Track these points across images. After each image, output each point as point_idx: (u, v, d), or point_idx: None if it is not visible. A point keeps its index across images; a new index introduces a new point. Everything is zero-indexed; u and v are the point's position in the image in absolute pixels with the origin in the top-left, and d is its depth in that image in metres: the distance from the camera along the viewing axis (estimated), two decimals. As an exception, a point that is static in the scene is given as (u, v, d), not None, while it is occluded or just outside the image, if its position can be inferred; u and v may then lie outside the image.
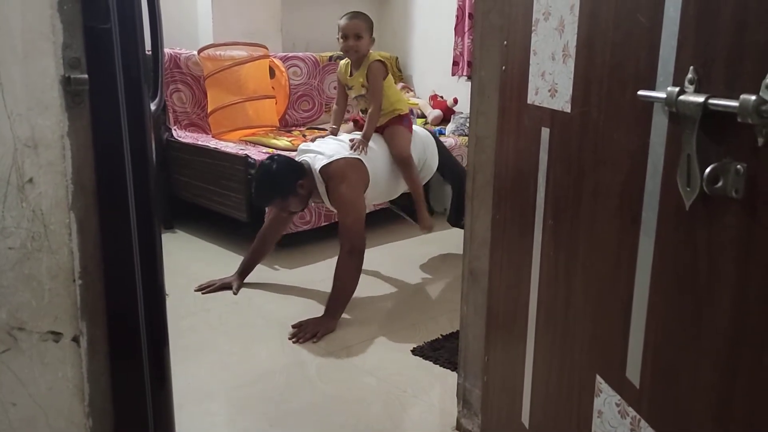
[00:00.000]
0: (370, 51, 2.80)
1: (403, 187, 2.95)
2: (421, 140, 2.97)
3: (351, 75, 2.83)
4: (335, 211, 2.79)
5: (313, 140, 2.88)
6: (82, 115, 1.13)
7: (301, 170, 2.66)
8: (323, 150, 2.71)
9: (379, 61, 2.79)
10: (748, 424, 0.72)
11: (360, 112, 2.91)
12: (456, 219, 3.13)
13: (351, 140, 2.74)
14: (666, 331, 0.87)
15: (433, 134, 3.16)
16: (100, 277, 1.20)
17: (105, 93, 1.15)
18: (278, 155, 2.73)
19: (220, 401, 2.07)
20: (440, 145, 3.11)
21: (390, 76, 2.87)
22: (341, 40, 2.77)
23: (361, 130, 2.82)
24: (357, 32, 2.72)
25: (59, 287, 1.14)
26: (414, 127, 2.98)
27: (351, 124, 3.02)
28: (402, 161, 2.81)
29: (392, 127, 2.85)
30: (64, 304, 1.15)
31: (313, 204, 2.95)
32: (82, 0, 1.09)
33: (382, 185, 2.80)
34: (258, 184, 2.68)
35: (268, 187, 2.64)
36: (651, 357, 0.90)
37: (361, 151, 2.70)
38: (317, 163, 2.66)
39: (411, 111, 3.08)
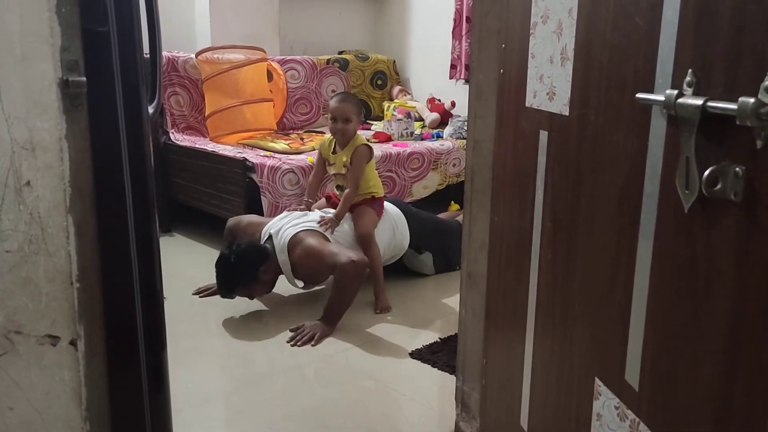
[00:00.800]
0: (357, 133, 2.85)
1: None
2: (391, 222, 2.93)
3: (334, 152, 2.87)
4: (301, 285, 2.76)
5: (286, 213, 2.86)
6: (80, 118, 1.12)
7: (263, 254, 2.64)
8: (289, 225, 2.71)
9: (366, 145, 2.84)
10: (747, 426, 0.72)
11: (336, 189, 2.92)
12: (444, 269, 3.13)
13: (321, 218, 2.74)
14: (665, 334, 0.86)
15: (405, 209, 3.09)
16: (97, 280, 1.19)
17: (103, 96, 1.15)
18: (239, 243, 2.67)
19: (218, 405, 2.06)
20: (412, 217, 3.05)
21: (372, 161, 2.89)
22: (330, 122, 2.82)
23: (333, 207, 2.84)
24: (346, 116, 2.77)
25: (57, 290, 1.14)
26: (386, 204, 2.96)
27: (324, 200, 3.02)
28: (363, 239, 2.76)
29: (362, 206, 2.84)
30: (61, 307, 1.15)
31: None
32: (80, 2, 1.09)
33: None
34: (218, 276, 2.63)
35: (229, 278, 2.61)
36: (650, 360, 0.90)
37: (327, 229, 2.70)
38: (282, 238, 2.65)
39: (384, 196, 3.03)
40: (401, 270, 3.15)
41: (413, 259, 3.10)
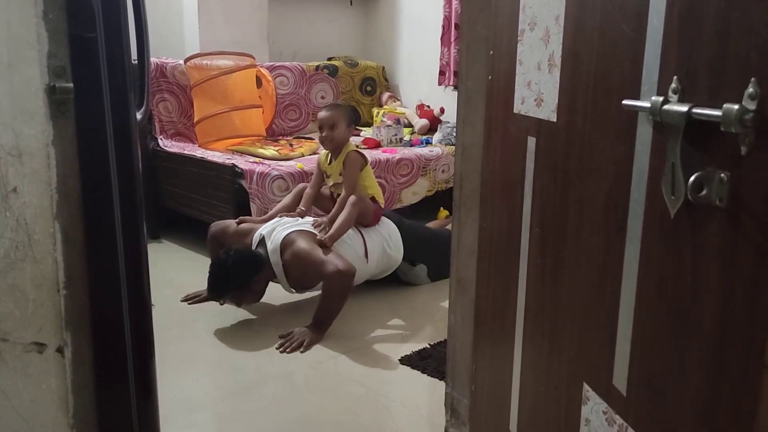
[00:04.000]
0: (350, 141, 2.87)
1: (362, 279, 2.87)
2: (384, 237, 2.90)
3: (330, 163, 2.89)
4: (296, 291, 2.75)
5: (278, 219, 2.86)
6: (67, 124, 1.12)
7: (258, 264, 2.62)
8: (282, 226, 2.71)
9: (357, 151, 2.86)
10: (733, 431, 0.73)
11: (337, 197, 2.91)
12: (438, 277, 3.10)
13: (315, 220, 2.76)
14: (652, 339, 0.87)
15: (398, 221, 3.06)
16: (85, 287, 1.19)
17: (90, 102, 1.15)
18: (237, 249, 2.63)
19: (206, 413, 2.05)
20: (405, 230, 3.03)
21: (368, 167, 2.91)
22: (318, 132, 2.85)
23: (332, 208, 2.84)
24: (331, 123, 2.79)
25: (43, 297, 1.13)
26: (383, 219, 2.97)
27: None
28: (353, 201, 2.75)
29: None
30: (48, 314, 1.14)
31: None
32: (68, 8, 1.09)
33: None
34: (212, 278, 2.60)
35: (222, 283, 2.57)
36: (637, 365, 0.90)
37: (321, 230, 2.69)
38: (275, 239, 2.65)
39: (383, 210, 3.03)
40: (390, 275, 3.15)
41: (407, 272, 3.09)
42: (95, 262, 1.19)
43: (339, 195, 2.86)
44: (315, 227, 2.71)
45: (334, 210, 2.80)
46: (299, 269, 2.63)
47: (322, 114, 2.83)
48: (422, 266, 3.09)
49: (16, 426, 1.14)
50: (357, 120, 2.90)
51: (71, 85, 1.10)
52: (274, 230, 2.70)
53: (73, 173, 1.14)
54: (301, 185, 3.08)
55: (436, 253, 3.03)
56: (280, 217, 2.87)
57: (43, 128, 1.08)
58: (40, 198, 1.10)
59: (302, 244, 2.60)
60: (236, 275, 2.56)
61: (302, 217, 2.86)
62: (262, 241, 2.72)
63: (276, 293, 2.94)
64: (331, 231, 2.69)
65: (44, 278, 1.12)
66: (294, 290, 2.76)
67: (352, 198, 2.77)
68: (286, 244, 2.63)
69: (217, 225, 2.98)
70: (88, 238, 1.18)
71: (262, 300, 2.87)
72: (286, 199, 3.02)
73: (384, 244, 2.90)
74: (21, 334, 1.12)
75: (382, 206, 2.99)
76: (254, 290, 2.64)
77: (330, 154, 2.90)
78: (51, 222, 1.12)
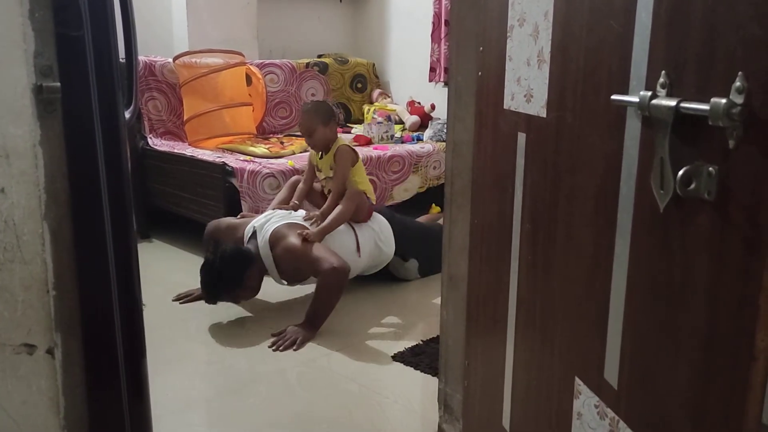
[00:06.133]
0: (339, 137, 2.89)
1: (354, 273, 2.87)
2: (375, 233, 2.90)
3: (321, 158, 2.91)
4: (285, 283, 2.75)
5: (270, 211, 2.87)
6: (55, 124, 1.11)
7: (248, 259, 2.60)
8: (273, 220, 2.71)
9: (348, 146, 2.88)
10: (724, 423, 0.73)
11: (328, 193, 2.92)
12: (430, 272, 3.12)
13: (307, 213, 2.77)
14: (643, 332, 0.87)
15: (390, 216, 3.06)
16: (74, 287, 1.18)
17: (78, 101, 1.14)
18: (224, 248, 2.58)
19: (199, 412, 2.05)
20: (397, 224, 3.04)
21: (360, 164, 2.93)
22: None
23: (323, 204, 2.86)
24: (307, 132, 2.83)
25: (33, 299, 1.12)
26: (375, 214, 2.97)
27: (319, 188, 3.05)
28: (349, 195, 2.78)
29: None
30: (37, 315, 1.13)
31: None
32: (54, 7, 1.08)
33: None
34: (203, 283, 2.58)
35: (214, 284, 2.55)
36: (628, 358, 0.91)
37: (313, 224, 2.70)
38: (266, 232, 2.65)
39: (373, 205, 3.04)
40: (383, 272, 3.15)
41: (399, 267, 3.09)
42: (85, 263, 1.19)
43: (330, 191, 2.86)
44: (307, 220, 2.72)
45: (326, 204, 2.80)
46: (291, 264, 2.62)
47: (300, 120, 2.87)
48: (414, 261, 3.09)
49: (7, 428, 1.14)
50: (331, 114, 2.86)
51: (58, 84, 1.09)
52: (265, 224, 2.70)
53: (61, 173, 1.13)
54: (294, 178, 3.11)
55: (428, 247, 3.03)
56: (273, 210, 2.86)
57: (30, 128, 1.07)
58: (28, 198, 1.09)
59: (294, 239, 2.59)
60: (227, 275, 2.54)
61: (295, 210, 2.87)
62: (253, 235, 2.71)
63: (268, 291, 2.93)
64: (324, 223, 2.69)
65: (33, 279, 1.12)
66: (285, 282, 2.75)
67: (349, 192, 2.78)
68: (276, 237, 2.62)
69: (211, 223, 2.98)
70: (77, 239, 1.17)
71: (256, 298, 2.86)
72: (281, 193, 3.04)
73: (376, 239, 2.90)
74: (10, 336, 1.11)
75: (374, 202, 3.00)
76: (248, 286, 2.62)
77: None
78: (39, 222, 1.11)
